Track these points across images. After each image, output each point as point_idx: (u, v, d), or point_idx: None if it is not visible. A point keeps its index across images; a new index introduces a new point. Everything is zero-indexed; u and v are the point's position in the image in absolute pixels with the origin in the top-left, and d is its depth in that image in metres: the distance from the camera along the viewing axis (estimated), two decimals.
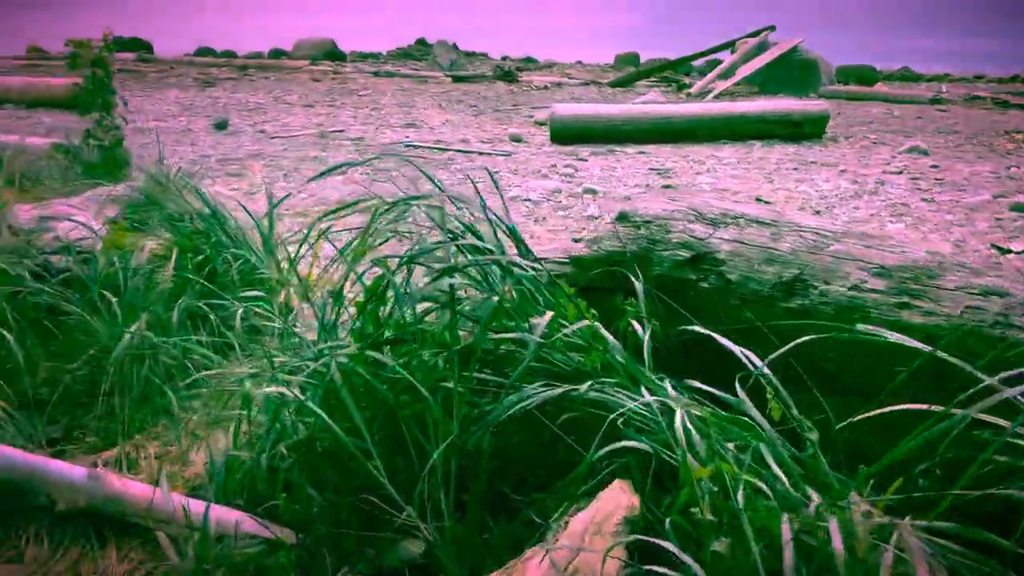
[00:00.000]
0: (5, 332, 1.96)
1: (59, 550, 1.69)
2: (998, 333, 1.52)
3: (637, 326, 1.78)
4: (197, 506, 1.65)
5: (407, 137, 6.77)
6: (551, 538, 1.43)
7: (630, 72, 12.71)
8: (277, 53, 16.46)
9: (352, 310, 1.80)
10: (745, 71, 9.51)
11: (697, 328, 1.65)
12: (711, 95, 9.14)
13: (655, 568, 1.20)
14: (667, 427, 1.54)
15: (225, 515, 1.61)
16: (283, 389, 1.56)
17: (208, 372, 1.90)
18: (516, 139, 6.66)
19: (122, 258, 2.54)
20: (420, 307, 1.75)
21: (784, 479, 1.37)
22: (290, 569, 1.50)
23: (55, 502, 1.77)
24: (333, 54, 15.06)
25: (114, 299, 2.28)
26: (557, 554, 1.37)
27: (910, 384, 1.61)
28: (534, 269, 1.83)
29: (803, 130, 6.32)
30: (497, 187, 1.96)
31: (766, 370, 1.55)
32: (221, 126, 7.07)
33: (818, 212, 3.88)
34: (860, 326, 1.53)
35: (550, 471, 1.69)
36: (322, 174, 1.98)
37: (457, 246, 1.74)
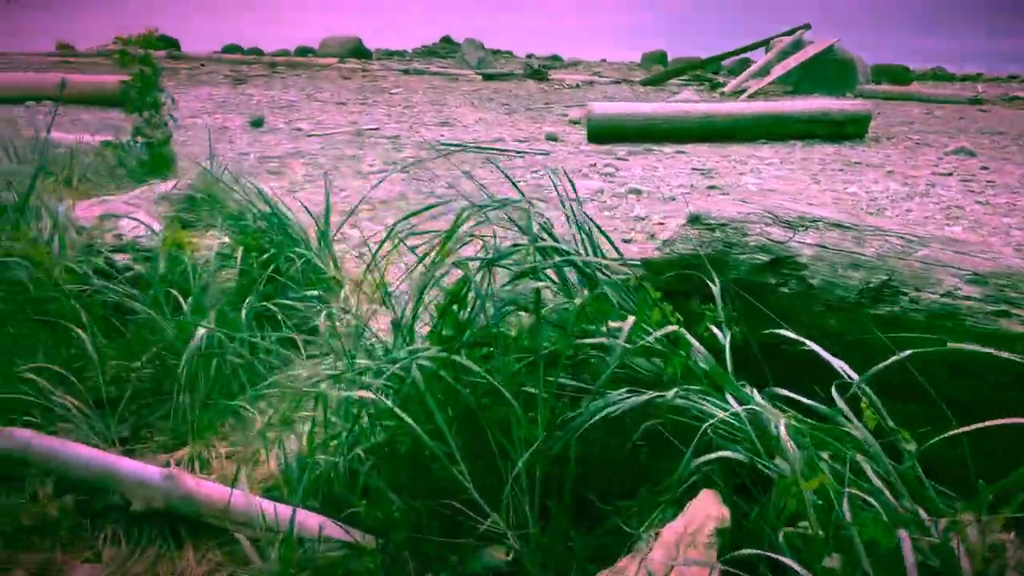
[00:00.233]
0: (79, 331, 1.97)
1: (136, 550, 1.69)
2: None
3: (716, 331, 1.74)
4: (275, 509, 1.64)
5: (442, 136, 6.76)
6: (644, 548, 1.40)
7: (661, 70, 12.61)
8: (304, 51, 16.53)
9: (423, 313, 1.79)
10: (780, 70, 9.40)
11: (786, 333, 1.62)
12: (745, 94, 9.05)
13: None
14: (756, 436, 1.51)
15: (306, 518, 1.59)
16: (367, 393, 1.54)
17: (285, 374, 1.88)
18: (552, 138, 6.63)
19: (182, 257, 2.54)
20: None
21: (887, 492, 1.33)
22: (375, 574, 1.48)
23: (129, 502, 1.78)
24: (359, 52, 15.09)
25: (182, 298, 2.29)
26: (652, 565, 1.34)
27: (1005, 395, 1.57)
28: (610, 271, 1.80)
29: (845, 130, 6.23)
30: (574, 188, 1.93)
31: (850, 375, 1.52)
32: (257, 124, 7.10)
33: (871, 215, 3.81)
34: (951, 344, 1.48)
35: (632, 478, 1.66)
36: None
37: (538, 249, 1.72)
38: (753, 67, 10.06)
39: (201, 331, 1.98)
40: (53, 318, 2.02)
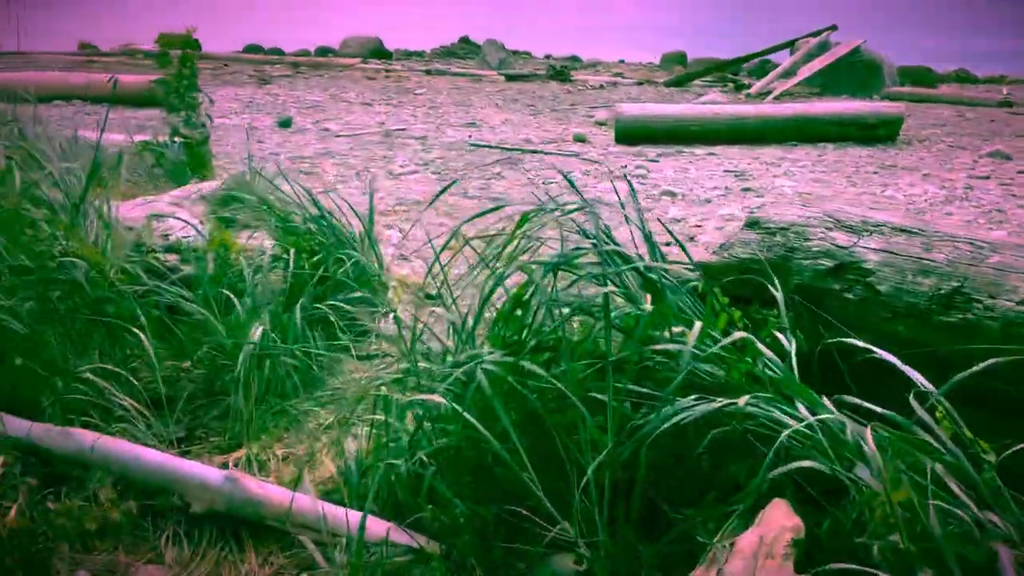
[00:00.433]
0: (137, 331, 1.97)
1: (198, 552, 1.69)
2: None
3: (781, 337, 1.72)
4: (339, 512, 1.63)
5: (469, 137, 6.75)
6: (719, 559, 1.38)
7: (683, 71, 12.55)
8: (324, 51, 16.60)
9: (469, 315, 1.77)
10: (806, 71, 9.33)
11: (855, 342, 1.59)
12: (772, 95, 8.98)
13: None
14: (828, 445, 1.49)
15: (372, 523, 1.58)
16: (438, 397, 1.53)
17: (343, 376, 1.88)
18: (580, 139, 6.60)
19: (229, 257, 2.54)
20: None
21: (971, 504, 1.30)
22: None
23: (189, 503, 1.77)
24: (379, 52, 15.13)
25: (236, 299, 2.29)
26: None
27: None
28: (672, 276, 1.78)
29: (877, 133, 6.17)
30: (634, 194, 1.91)
31: (925, 385, 1.49)
32: (285, 124, 7.13)
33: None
34: None
35: (695, 485, 1.64)
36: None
37: (600, 253, 1.70)
38: (779, 68, 9.99)
39: (257, 332, 1.97)
40: (110, 318, 2.02)
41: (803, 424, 1.44)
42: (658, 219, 1.68)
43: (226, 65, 12.54)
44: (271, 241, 2.62)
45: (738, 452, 1.62)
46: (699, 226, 3.74)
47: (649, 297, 1.70)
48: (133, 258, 2.18)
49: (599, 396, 1.57)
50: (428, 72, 12.12)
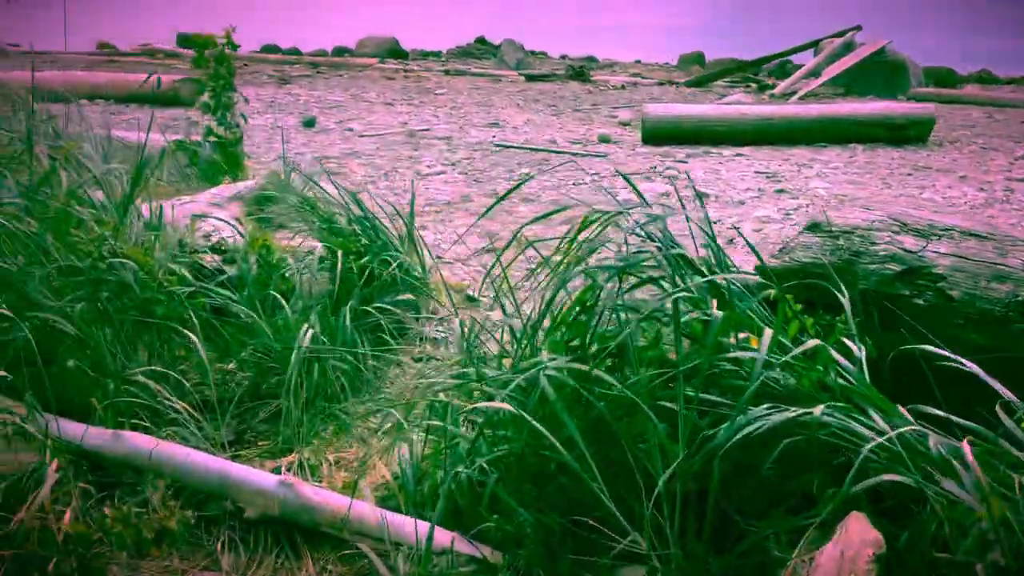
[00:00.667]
0: (189, 333, 1.94)
1: (254, 559, 1.66)
2: None
3: (851, 344, 1.67)
4: (399, 520, 1.60)
5: (493, 137, 6.72)
6: (802, 574, 1.34)
7: (701, 72, 12.47)
8: (340, 51, 16.61)
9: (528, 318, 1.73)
10: (831, 72, 9.24)
11: (932, 349, 1.54)
12: (796, 96, 8.90)
13: None
14: (908, 457, 1.44)
15: (436, 532, 1.55)
16: (503, 404, 1.50)
17: (400, 381, 1.84)
18: (605, 139, 6.56)
19: (270, 258, 2.52)
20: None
21: None
22: None
23: (242, 508, 1.75)
24: (396, 52, 15.13)
25: (279, 300, 2.26)
26: None
27: None
28: (738, 283, 1.74)
29: (907, 134, 6.08)
30: (698, 195, 1.87)
31: (1007, 395, 1.44)
32: (309, 124, 7.12)
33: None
34: None
35: (763, 496, 1.60)
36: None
37: (666, 257, 1.66)
38: (803, 69, 9.90)
39: (308, 334, 1.94)
40: (159, 319, 2.00)
41: (886, 437, 1.39)
42: (734, 227, 1.64)
43: (246, 65, 12.56)
44: (312, 241, 2.60)
45: (809, 462, 1.58)
46: (735, 228, 3.69)
47: (715, 302, 1.65)
48: (180, 259, 2.16)
49: (667, 404, 1.53)
50: (447, 72, 12.10)
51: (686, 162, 5.43)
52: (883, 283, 1.80)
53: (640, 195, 1.78)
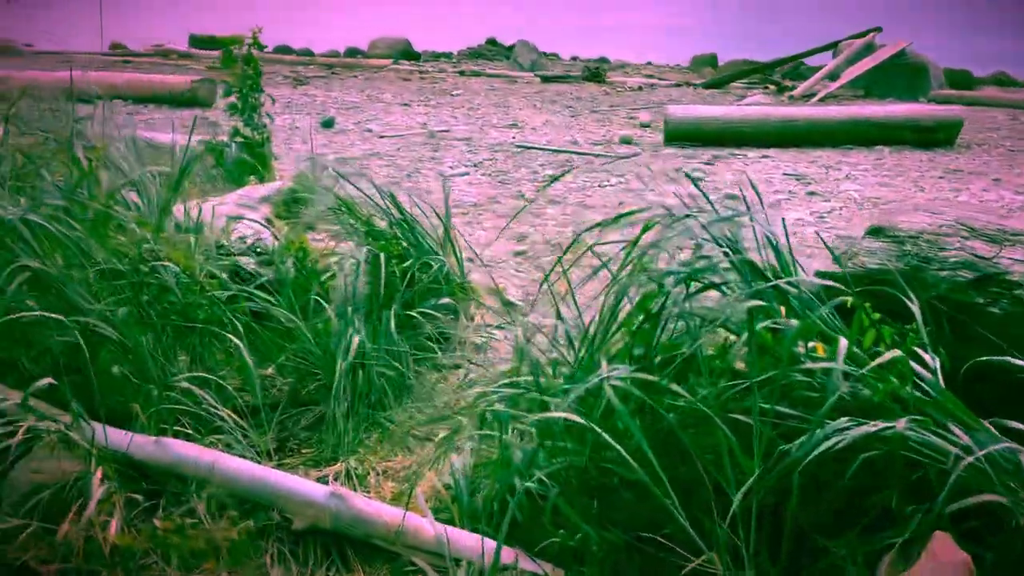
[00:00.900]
0: (232, 337, 1.89)
1: (304, 572, 1.61)
2: None
3: (924, 354, 1.61)
4: (462, 537, 1.54)
5: (513, 138, 6.66)
6: None
7: (715, 73, 12.39)
8: (352, 51, 16.59)
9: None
10: (852, 73, 9.15)
11: (1018, 361, 1.48)
12: (816, 98, 8.81)
13: None
14: (995, 475, 1.38)
15: (493, 547, 1.49)
16: (570, 415, 1.44)
17: (446, 388, 1.79)
18: (627, 141, 6.49)
19: (305, 261, 2.47)
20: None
21: None
22: None
23: (290, 519, 1.69)
24: (408, 53, 15.09)
25: (315, 303, 2.21)
26: None
27: None
28: (806, 289, 1.67)
29: (935, 136, 5.99)
30: (759, 194, 1.81)
31: None
32: (328, 124, 7.08)
33: None
34: None
35: (838, 511, 1.53)
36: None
37: (733, 263, 1.60)
38: (823, 70, 9.81)
39: (355, 341, 1.89)
40: (201, 324, 1.95)
41: (982, 453, 1.33)
42: (817, 233, 1.57)
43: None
44: (345, 243, 2.55)
45: (884, 478, 1.52)
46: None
47: (783, 309, 1.59)
48: (222, 261, 2.11)
49: (738, 416, 1.47)
50: (462, 73, 12.05)
51: (712, 164, 5.36)
52: (955, 290, 1.73)
53: (707, 196, 1.72)
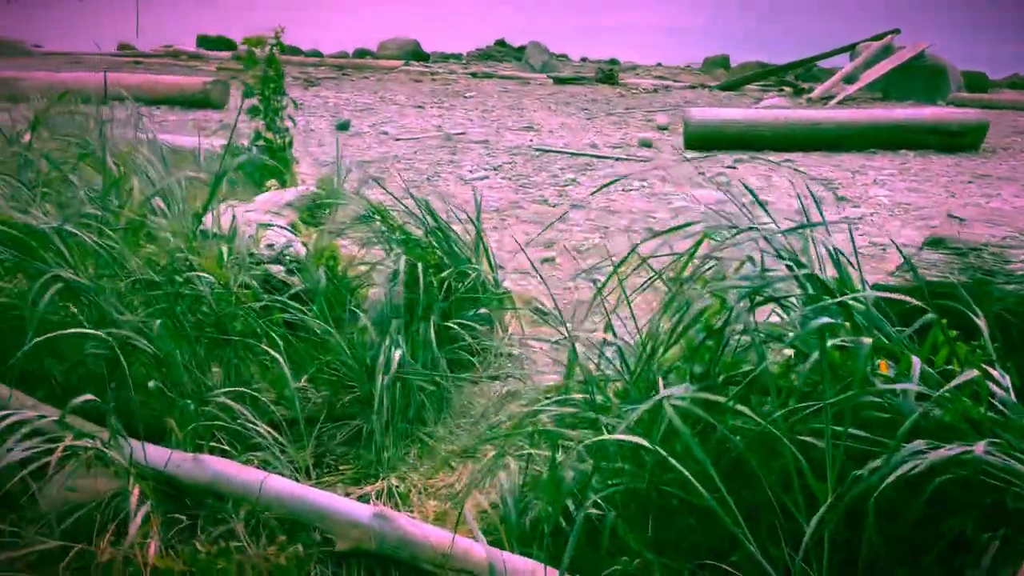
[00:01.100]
0: (270, 350, 1.84)
1: None
2: None
3: (994, 371, 1.54)
4: (519, 564, 1.48)
5: (530, 142, 6.60)
6: None
7: (727, 75, 12.31)
8: (362, 52, 16.55)
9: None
10: (870, 76, 9.06)
11: None
12: (834, 100, 8.72)
13: None
14: None
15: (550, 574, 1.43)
16: (638, 438, 1.37)
17: (507, 406, 1.73)
18: (646, 144, 6.42)
19: (336, 269, 2.41)
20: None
21: None
22: None
23: (332, 540, 1.64)
24: (417, 55, 15.05)
25: (347, 314, 2.15)
26: None
27: None
28: (871, 304, 1.61)
29: (960, 140, 5.91)
30: (803, 205, 1.75)
31: None
32: (343, 127, 7.03)
33: None
34: None
35: (914, 540, 1.47)
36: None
37: (797, 278, 1.53)
38: (840, 72, 9.72)
39: (396, 355, 1.83)
40: (237, 336, 1.89)
41: None
42: (892, 240, 1.51)
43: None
44: (375, 251, 2.49)
45: (958, 503, 1.45)
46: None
47: (849, 326, 1.53)
48: (255, 271, 2.05)
49: (805, 439, 1.41)
50: (473, 75, 12.00)
51: (735, 167, 5.29)
52: (1022, 304, 1.67)
53: (765, 209, 1.65)
